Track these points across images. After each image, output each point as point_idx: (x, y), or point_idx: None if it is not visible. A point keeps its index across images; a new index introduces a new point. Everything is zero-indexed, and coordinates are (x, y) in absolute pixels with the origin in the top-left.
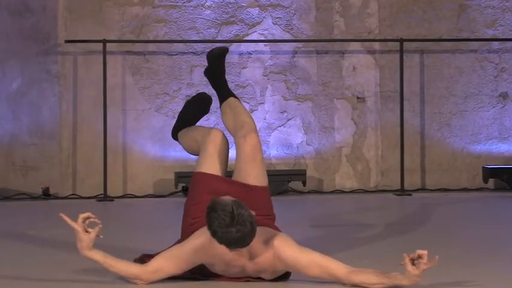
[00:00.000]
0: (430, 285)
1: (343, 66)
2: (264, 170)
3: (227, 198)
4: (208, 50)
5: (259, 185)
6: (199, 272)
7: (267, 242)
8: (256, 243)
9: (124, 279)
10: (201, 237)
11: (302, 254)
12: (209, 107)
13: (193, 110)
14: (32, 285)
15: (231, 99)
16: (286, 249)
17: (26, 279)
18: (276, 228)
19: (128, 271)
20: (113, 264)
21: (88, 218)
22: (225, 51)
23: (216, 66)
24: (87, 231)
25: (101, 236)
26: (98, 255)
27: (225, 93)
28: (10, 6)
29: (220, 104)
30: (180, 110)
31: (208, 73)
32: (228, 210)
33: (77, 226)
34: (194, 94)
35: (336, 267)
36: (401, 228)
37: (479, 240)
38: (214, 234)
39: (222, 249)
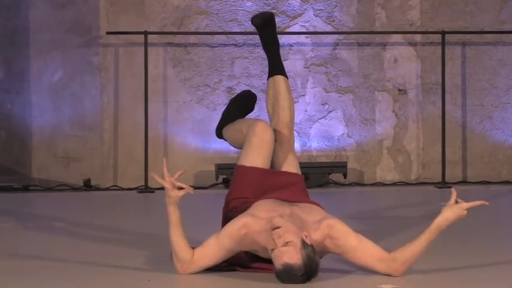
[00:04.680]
0: (470, 279)
1: (385, 58)
2: (297, 162)
3: (296, 264)
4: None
5: (297, 173)
6: (239, 263)
7: (320, 220)
8: (308, 220)
9: (167, 267)
10: (236, 223)
11: (354, 234)
12: (254, 105)
13: (238, 108)
14: (73, 274)
15: (278, 77)
16: (340, 227)
17: (68, 268)
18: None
19: (182, 251)
20: (178, 234)
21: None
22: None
23: (268, 27)
24: (178, 187)
25: (192, 192)
26: (174, 216)
27: (276, 64)
28: None
29: (268, 76)
30: (220, 102)
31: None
32: (300, 274)
33: (166, 183)
34: (238, 92)
35: (378, 252)
36: None
37: None
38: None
39: (260, 236)
